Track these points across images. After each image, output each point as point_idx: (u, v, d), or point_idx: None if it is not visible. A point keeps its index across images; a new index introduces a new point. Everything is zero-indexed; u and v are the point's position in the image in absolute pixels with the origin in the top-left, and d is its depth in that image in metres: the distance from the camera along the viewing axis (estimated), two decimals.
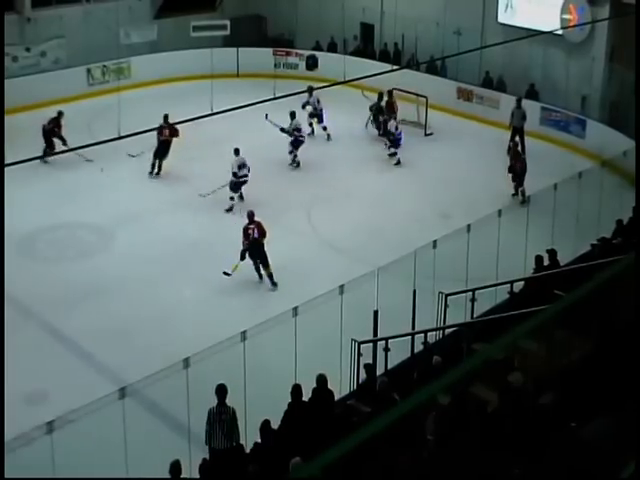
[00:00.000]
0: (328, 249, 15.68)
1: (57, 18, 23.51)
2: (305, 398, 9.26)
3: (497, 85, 23.15)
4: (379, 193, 18.12)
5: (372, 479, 7.30)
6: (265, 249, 14.13)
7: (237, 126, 18.03)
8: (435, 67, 24.25)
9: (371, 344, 10.77)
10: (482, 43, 20.78)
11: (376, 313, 11.27)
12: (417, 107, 21.81)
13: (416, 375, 9.77)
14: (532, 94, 22.12)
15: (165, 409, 10.64)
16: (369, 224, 16.50)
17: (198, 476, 8.64)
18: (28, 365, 11.72)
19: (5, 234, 13.72)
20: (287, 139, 19.32)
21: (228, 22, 25.29)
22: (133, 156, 18.62)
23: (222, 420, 9.21)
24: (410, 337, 11.25)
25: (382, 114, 21.11)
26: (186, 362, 8.94)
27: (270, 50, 26.11)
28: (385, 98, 21.29)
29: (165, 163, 18.84)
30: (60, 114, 19.34)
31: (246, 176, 17.00)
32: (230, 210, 16.93)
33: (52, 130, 19.10)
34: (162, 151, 18.55)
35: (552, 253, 12.33)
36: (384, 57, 24.95)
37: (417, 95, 21.65)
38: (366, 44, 26.44)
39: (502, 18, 22.87)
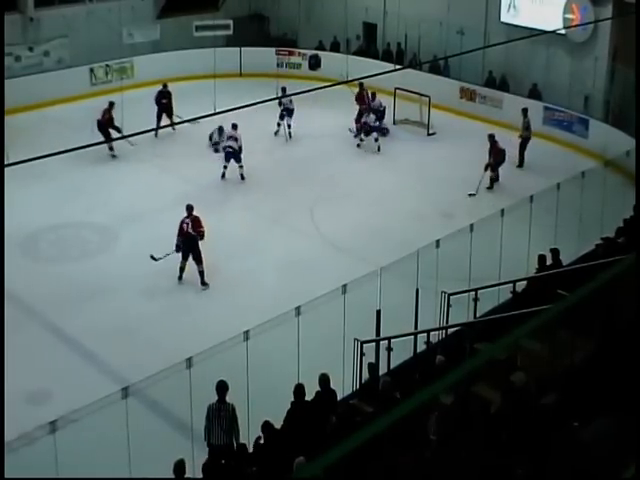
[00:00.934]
0: (331, 248, 15.67)
1: (60, 18, 23.50)
2: (308, 398, 9.27)
3: (500, 85, 23.13)
4: (382, 192, 18.11)
5: (375, 479, 7.30)
6: (200, 247, 14.06)
7: (240, 125, 18.04)
8: (438, 67, 24.22)
9: (374, 344, 10.76)
10: (485, 43, 20.79)
11: (379, 313, 11.28)
12: (420, 107, 21.81)
13: (418, 375, 9.77)
14: (535, 94, 22.12)
15: (168, 408, 10.63)
16: (372, 224, 16.49)
17: (201, 476, 8.64)
18: (31, 365, 11.74)
19: (8, 234, 13.74)
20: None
21: (231, 22, 25.31)
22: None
23: (221, 416, 9.23)
24: (413, 337, 11.22)
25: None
26: (189, 362, 8.95)
27: (273, 50, 26.08)
28: (356, 90, 21.11)
29: (170, 162, 18.83)
30: (112, 104, 19.43)
31: (231, 147, 18.14)
32: (223, 177, 18.34)
33: (108, 121, 19.20)
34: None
35: (555, 252, 12.31)
36: (387, 57, 24.88)
37: (420, 95, 21.66)
38: (369, 44, 26.41)
39: (505, 18, 22.88)
